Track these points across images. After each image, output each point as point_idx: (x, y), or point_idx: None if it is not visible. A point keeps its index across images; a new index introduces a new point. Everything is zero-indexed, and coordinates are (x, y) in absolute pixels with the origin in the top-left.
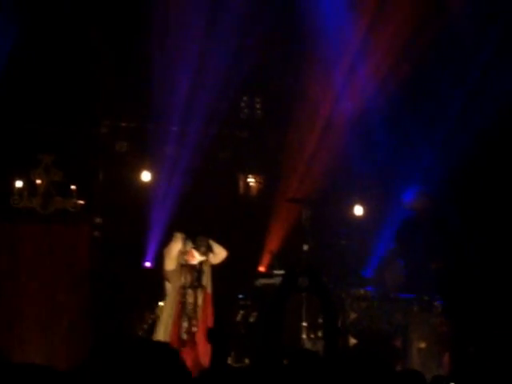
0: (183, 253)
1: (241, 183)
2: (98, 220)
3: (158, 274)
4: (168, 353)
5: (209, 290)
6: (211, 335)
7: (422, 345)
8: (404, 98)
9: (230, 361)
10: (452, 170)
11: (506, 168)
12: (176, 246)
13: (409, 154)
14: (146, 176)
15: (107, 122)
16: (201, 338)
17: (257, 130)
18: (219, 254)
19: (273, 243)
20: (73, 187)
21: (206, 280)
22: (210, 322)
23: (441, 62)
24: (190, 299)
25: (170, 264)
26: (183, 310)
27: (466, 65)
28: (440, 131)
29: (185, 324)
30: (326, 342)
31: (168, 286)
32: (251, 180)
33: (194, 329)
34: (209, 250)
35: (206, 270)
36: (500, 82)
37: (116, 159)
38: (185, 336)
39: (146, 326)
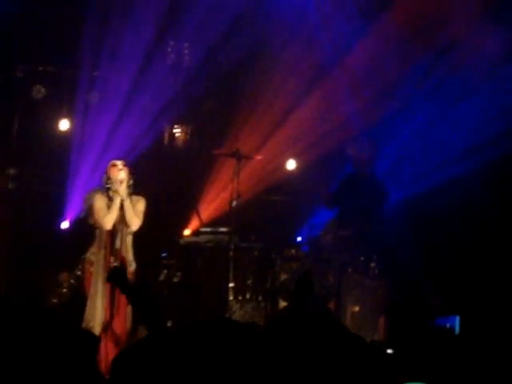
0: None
1: (166, 133)
2: (12, 171)
3: (75, 236)
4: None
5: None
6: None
7: (356, 308)
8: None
9: None
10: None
11: None
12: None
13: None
14: (64, 124)
15: (23, 66)
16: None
17: (184, 79)
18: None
19: (201, 199)
20: None
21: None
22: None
23: None
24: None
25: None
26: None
27: None
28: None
29: None
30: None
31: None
32: (177, 130)
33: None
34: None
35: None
36: None
37: (33, 106)
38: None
39: (64, 290)
